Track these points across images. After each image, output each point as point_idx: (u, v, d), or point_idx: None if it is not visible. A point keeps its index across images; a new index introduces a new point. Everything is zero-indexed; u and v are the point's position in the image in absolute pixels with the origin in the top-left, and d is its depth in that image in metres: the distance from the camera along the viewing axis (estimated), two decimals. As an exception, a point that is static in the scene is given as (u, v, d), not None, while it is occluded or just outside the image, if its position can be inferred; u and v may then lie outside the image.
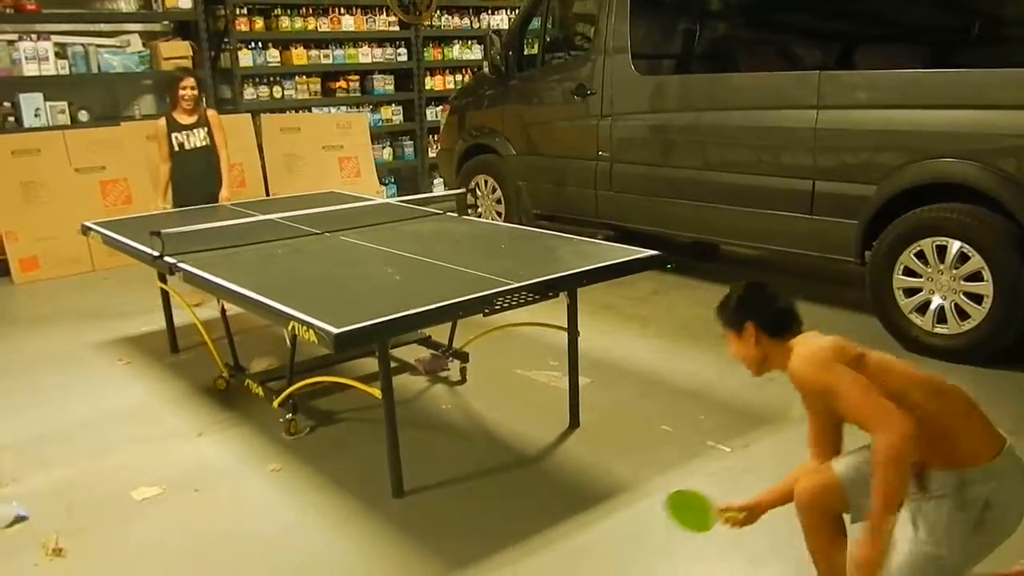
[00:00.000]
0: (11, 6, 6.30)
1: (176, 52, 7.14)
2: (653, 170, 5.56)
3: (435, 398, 4.00)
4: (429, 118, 9.01)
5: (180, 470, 3.32)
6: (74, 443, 3.60)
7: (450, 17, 9.06)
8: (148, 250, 3.77)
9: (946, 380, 2.05)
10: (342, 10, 8.21)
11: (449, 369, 4.23)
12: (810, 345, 2.06)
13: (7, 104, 6.49)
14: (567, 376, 3.64)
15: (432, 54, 8.99)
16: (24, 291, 6.18)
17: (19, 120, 6.50)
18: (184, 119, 5.43)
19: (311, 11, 8.02)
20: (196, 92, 5.43)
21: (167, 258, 3.62)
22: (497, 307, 2.90)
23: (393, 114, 8.91)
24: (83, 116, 6.85)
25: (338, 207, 4.69)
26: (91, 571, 2.69)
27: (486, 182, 6.86)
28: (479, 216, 6.87)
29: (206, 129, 5.50)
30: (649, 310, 5.29)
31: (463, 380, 4.15)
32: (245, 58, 7.63)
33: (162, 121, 5.43)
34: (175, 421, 3.80)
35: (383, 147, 8.87)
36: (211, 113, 5.64)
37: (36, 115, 6.53)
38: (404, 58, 8.73)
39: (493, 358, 4.32)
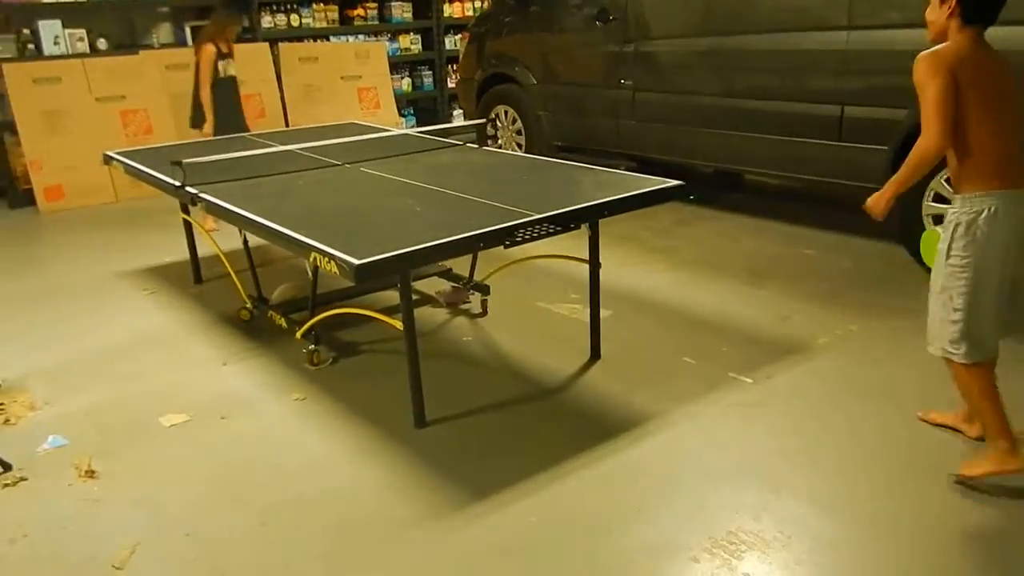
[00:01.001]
0: (25, -70, 6.19)
1: (192, -22, 7.01)
2: (676, 98, 5.44)
3: (456, 330, 4.02)
4: (448, 47, 8.85)
5: (206, 398, 3.38)
6: (103, 370, 3.68)
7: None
8: (170, 180, 3.77)
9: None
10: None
11: (470, 302, 4.25)
12: (938, 51, 2.43)
13: (26, 31, 6.44)
14: (588, 308, 3.63)
15: (452, -21, 8.77)
16: (49, 220, 6.24)
17: (39, 47, 6.45)
18: (224, 48, 5.59)
19: (328, -65, 7.83)
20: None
21: (188, 188, 3.62)
22: (518, 239, 2.88)
23: (411, 43, 8.75)
24: (102, 44, 6.79)
25: (357, 138, 4.64)
26: (121, 493, 2.76)
27: (506, 113, 6.75)
28: (499, 148, 6.80)
29: (233, 60, 5.67)
30: (671, 242, 5.26)
31: (484, 313, 4.16)
32: None
33: (212, 47, 5.51)
34: (200, 350, 3.86)
35: (402, 77, 8.74)
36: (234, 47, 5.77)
37: (56, 43, 6.48)
38: (423, -17, 8.53)
39: (514, 291, 4.32)
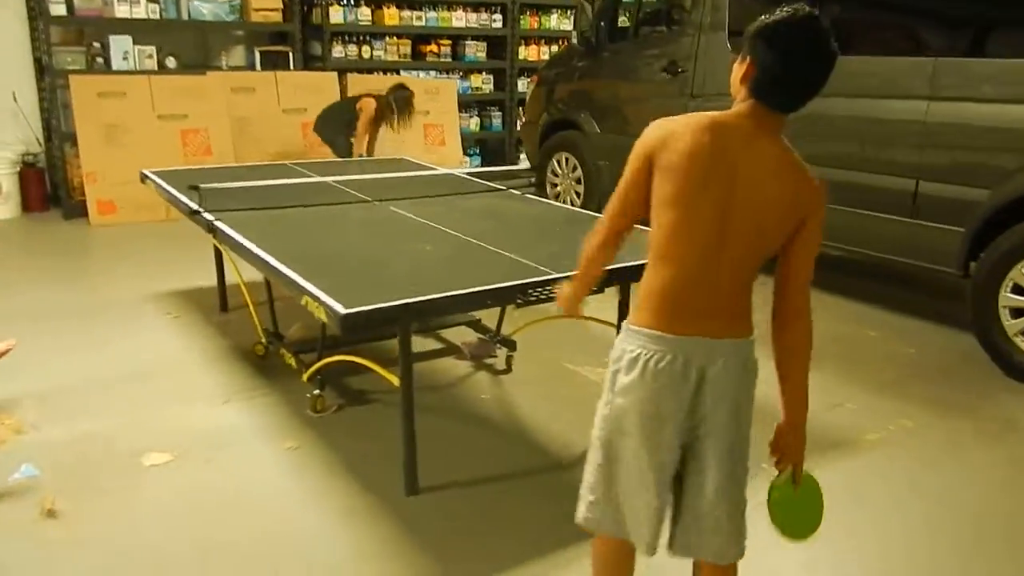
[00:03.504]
0: (106, -54, 6.32)
1: (267, 3, 7.05)
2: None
3: (475, 386, 3.74)
4: (520, 89, 8.71)
5: (196, 437, 3.17)
6: (103, 396, 3.52)
7: (552, -18, 8.68)
8: (191, 204, 3.64)
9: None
10: (440, -29, 7.98)
11: (496, 356, 3.96)
12: (663, 124, 1.77)
13: (97, 45, 6.54)
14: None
15: (529, 22, 8.65)
16: (98, 234, 6.25)
17: (107, 62, 6.54)
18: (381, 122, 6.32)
19: (406, -32, 7.82)
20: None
21: (206, 214, 3.47)
22: (532, 298, 2.61)
23: (483, 82, 8.64)
24: (171, 62, 6.85)
25: (398, 174, 4.46)
26: (77, 536, 2.55)
27: (567, 160, 6.52)
28: (557, 196, 6.55)
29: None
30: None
31: (508, 370, 3.87)
32: (336, 15, 7.49)
33: (373, 103, 6.19)
34: (206, 383, 3.67)
35: (470, 116, 8.63)
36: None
37: (124, 58, 6.56)
38: (499, 25, 8.43)
39: (544, 348, 4.02)
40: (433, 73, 8.30)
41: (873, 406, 3.59)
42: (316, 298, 2.44)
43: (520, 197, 4.21)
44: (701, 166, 1.68)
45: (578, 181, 6.41)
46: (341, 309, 2.32)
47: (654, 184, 1.74)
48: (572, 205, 6.44)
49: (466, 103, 8.48)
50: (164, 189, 4.05)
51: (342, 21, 7.54)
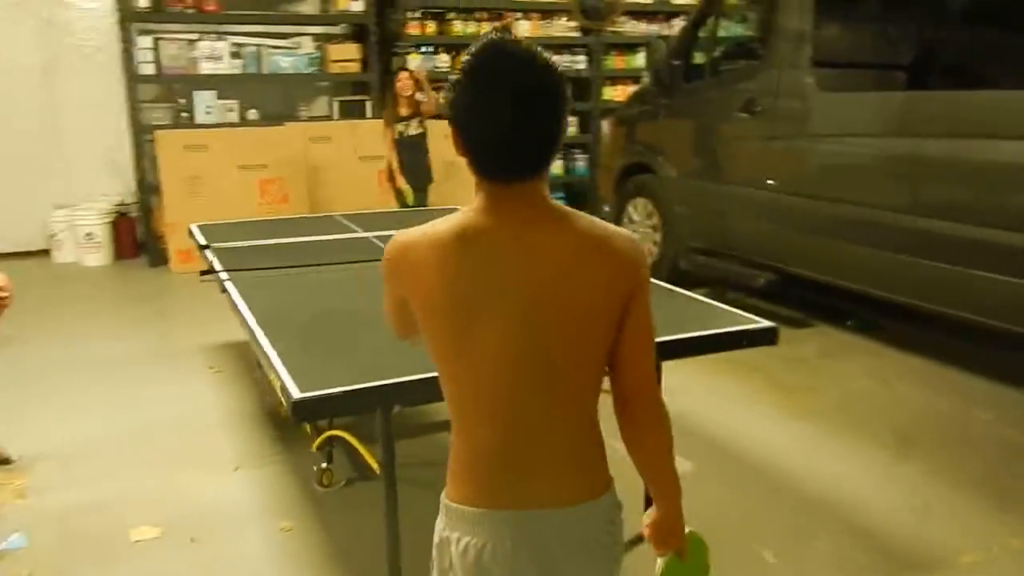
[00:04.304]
0: (193, 6, 6.51)
1: (345, 55, 7.09)
2: (827, 206, 4.59)
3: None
4: (605, 131, 8.39)
5: (191, 510, 3.02)
6: (118, 457, 3.44)
7: (637, 23, 8.37)
8: (215, 260, 3.54)
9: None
10: (519, 14, 7.83)
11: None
12: (398, 240, 1.36)
13: (182, 100, 6.74)
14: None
15: (613, 62, 8.36)
16: (177, 281, 6.37)
17: (191, 116, 6.72)
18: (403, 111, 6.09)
19: (487, 15, 7.70)
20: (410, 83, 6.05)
21: (220, 272, 3.35)
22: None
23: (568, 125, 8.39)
24: (252, 114, 6.98)
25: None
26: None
27: (643, 206, 6.14)
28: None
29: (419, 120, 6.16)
30: (806, 378, 4.35)
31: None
32: (414, 62, 7.45)
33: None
34: (223, 447, 3.53)
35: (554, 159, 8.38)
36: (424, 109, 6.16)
37: (208, 112, 6.73)
38: (582, 66, 8.18)
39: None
40: (516, 117, 8.13)
41: (971, 514, 2.97)
42: (277, 375, 2.21)
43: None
44: (462, 292, 1.28)
45: (655, 228, 6.02)
46: (296, 393, 2.08)
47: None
48: (648, 256, 6.05)
49: (551, 147, 8.25)
50: (197, 243, 4.00)
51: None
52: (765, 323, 2.59)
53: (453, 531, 1.37)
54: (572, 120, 8.37)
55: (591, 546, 1.37)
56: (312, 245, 3.87)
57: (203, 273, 3.45)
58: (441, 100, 5.96)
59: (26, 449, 3.43)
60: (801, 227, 4.80)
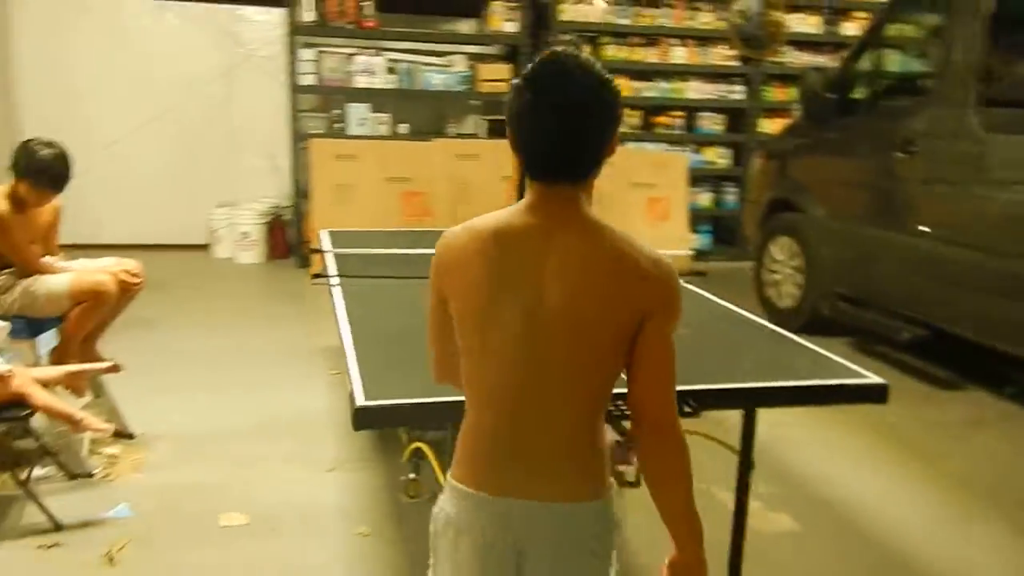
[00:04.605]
0: (353, 22, 6.84)
1: (496, 74, 7.20)
2: (988, 260, 4.15)
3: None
4: (755, 164, 8.06)
5: (279, 504, 3.11)
6: (227, 447, 3.59)
7: (800, 53, 7.99)
8: (329, 266, 3.66)
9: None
10: (675, 41, 7.68)
11: (634, 464, 3.48)
12: (444, 238, 1.49)
13: (336, 112, 7.08)
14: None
15: (773, 94, 8.02)
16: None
17: (345, 127, 7.04)
18: None
19: (641, 40, 7.61)
20: None
21: (330, 277, 3.44)
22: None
23: (719, 156, 8.13)
24: (402, 128, 7.22)
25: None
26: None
27: (787, 245, 5.81)
28: (775, 286, 5.85)
29: None
30: (948, 446, 3.93)
31: (636, 484, 3.37)
32: (564, 85, 7.47)
33: None
34: (325, 448, 3.62)
35: (702, 191, 8.14)
36: None
37: (360, 124, 7.03)
38: (739, 96, 7.91)
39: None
40: (663, 145, 7.96)
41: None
42: (349, 378, 2.22)
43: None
44: (486, 283, 1.37)
45: (798, 270, 5.68)
46: (360, 399, 2.09)
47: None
48: (787, 299, 5.72)
49: (699, 177, 8.02)
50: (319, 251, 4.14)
51: (571, 92, 7.50)
52: (873, 379, 2.34)
53: (450, 507, 1.45)
54: (725, 152, 8.12)
55: (573, 547, 1.40)
56: (427, 258, 3.92)
57: (315, 276, 3.56)
58: None
59: (149, 427, 3.65)
60: (956, 281, 4.37)
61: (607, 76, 1.37)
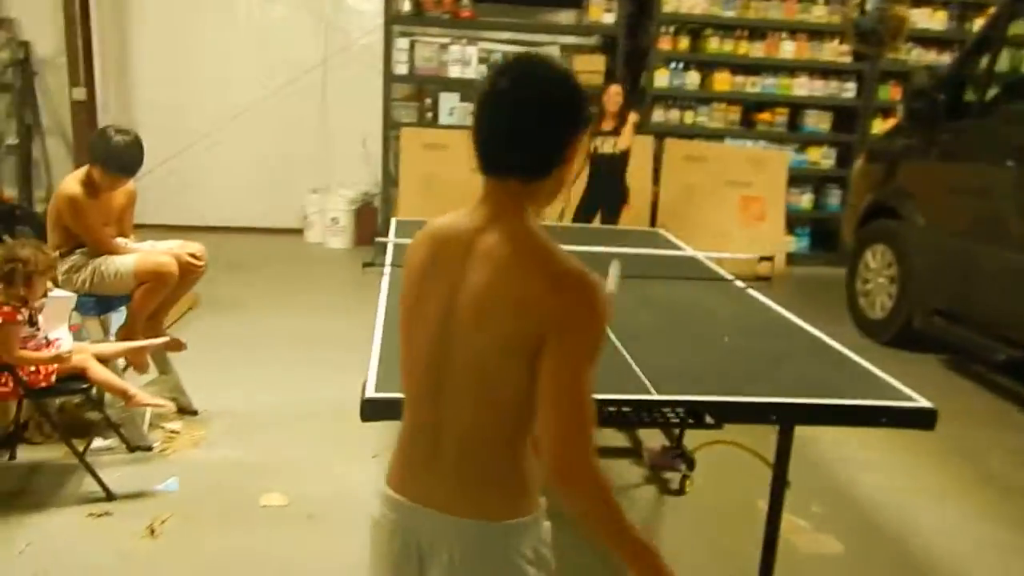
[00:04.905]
0: (449, 11, 6.86)
1: (590, 66, 7.06)
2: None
3: (638, 502, 3.20)
4: (857, 166, 7.61)
5: (319, 488, 3.18)
6: (275, 427, 3.70)
7: (924, 50, 7.47)
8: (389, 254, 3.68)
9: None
10: (784, 35, 7.33)
11: (679, 471, 3.36)
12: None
13: (428, 100, 7.13)
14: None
15: (889, 92, 7.54)
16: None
17: (435, 116, 7.09)
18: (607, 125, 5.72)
19: (747, 34, 7.30)
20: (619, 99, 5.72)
21: (376, 265, 3.46)
22: (608, 421, 2.09)
23: (823, 157, 7.74)
24: (492, 119, 7.20)
25: (619, 249, 4.03)
26: (160, 563, 2.65)
27: (882, 253, 5.46)
28: (867, 294, 5.53)
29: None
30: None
31: (681, 491, 3.25)
32: (662, 78, 7.27)
33: None
34: (372, 435, 3.62)
35: (803, 192, 7.77)
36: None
37: (450, 113, 7.06)
38: (850, 94, 7.49)
39: (736, 475, 3.30)
40: (763, 143, 7.64)
41: None
42: (366, 374, 2.21)
43: (738, 292, 3.44)
44: (416, 282, 1.37)
45: (892, 280, 5.33)
46: (371, 390, 2.08)
47: None
48: (879, 310, 5.38)
49: (800, 177, 7.65)
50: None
51: (667, 85, 7.29)
52: (922, 403, 2.13)
53: (377, 508, 1.46)
54: (829, 152, 7.72)
55: (476, 566, 1.32)
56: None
57: (365, 265, 3.57)
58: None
59: (211, 405, 3.79)
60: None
61: (571, 79, 1.34)
